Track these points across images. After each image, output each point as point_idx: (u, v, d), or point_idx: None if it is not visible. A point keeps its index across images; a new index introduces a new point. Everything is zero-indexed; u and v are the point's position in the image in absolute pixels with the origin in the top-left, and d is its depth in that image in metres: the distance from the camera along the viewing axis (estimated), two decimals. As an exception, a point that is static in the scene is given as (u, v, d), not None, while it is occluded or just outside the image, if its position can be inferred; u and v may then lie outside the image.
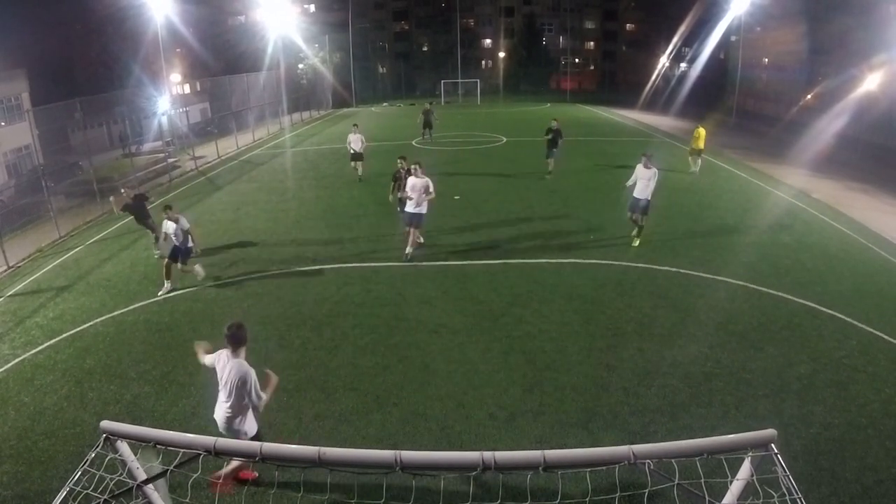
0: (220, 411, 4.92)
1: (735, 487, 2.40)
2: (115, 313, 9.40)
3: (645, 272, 10.45)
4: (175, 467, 2.65)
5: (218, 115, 34.70)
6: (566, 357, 7.61)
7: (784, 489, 2.32)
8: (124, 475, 2.83)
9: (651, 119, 35.90)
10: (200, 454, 2.46)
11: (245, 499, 5.25)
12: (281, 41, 41.33)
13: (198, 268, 10.28)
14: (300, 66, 49.28)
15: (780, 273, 10.36)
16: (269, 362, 7.62)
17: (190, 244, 10.01)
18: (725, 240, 12.26)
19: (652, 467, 2.20)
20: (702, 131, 19.14)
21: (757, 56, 37.69)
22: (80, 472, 2.64)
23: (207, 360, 5.10)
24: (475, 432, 6.19)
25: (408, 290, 9.87)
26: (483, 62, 65.33)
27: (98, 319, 9.19)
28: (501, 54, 63.24)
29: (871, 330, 8.19)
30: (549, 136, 17.94)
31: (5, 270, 12.03)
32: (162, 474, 2.81)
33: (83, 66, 36.95)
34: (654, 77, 48.68)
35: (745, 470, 2.38)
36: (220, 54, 45.80)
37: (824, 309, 8.86)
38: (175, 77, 40.69)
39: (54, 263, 12.28)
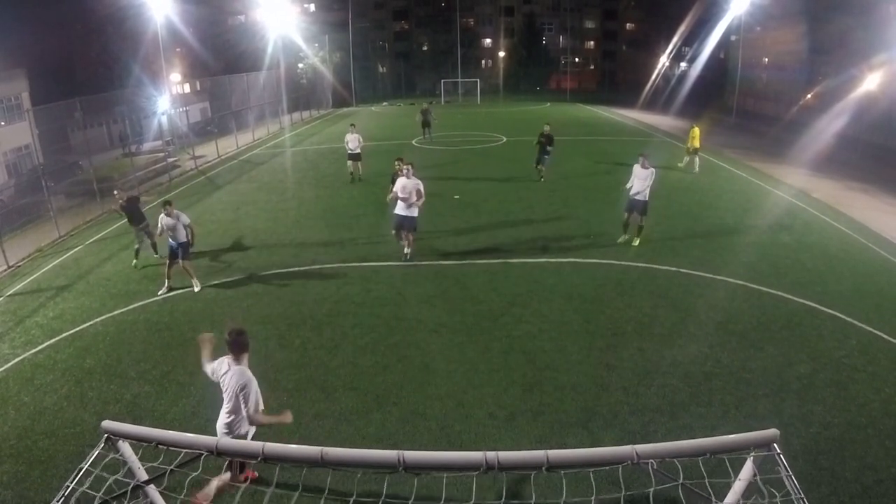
0: (220, 420, 4.83)
1: (738, 487, 2.40)
2: (115, 313, 9.40)
3: (645, 272, 10.45)
4: (176, 467, 2.64)
5: (218, 114, 34.69)
6: (566, 356, 7.61)
7: (787, 489, 2.32)
8: (124, 475, 2.82)
9: (651, 118, 35.90)
10: (202, 454, 2.46)
11: (244, 499, 5.25)
12: (281, 41, 41.30)
13: (194, 280, 10.11)
14: (300, 65, 49.24)
15: (779, 273, 10.36)
16: (269, 361, 7.65)
17: (184, 239, 9.84)
18: (725, 239, 12.26)
19: (655, 467, 2.20)
20: (696, 130, 19.42)
21: (757, 56, 37.68)
22: (79, 472, 2.64)
23: (208, 367, 4.95)
24: (475, 432, 6.19)
25: (408, 289, 9.87)
26: (483, 62, 65.29)
27: (98, 319, 9.19)
28: (501, 54, 63.21)
29: (871, 329, 8.19)
30: (540, 142, 17.13)
31: (5, 270, 12.02)
32: (163, 474, 2.80)
33: (83, 65, 36.92)
34: (654, 76, 48.67)
35: (748, 470, 2.38)
36: (220, 54, 45.76)
37: (824, 308, 8.87)
38: (175, 77, 40.65)
39: (54, 263, 12.27)
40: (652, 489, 2.22)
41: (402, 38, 66.44)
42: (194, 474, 2.63)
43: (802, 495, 2.28)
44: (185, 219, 9.91)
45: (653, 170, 11.29)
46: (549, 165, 17.47)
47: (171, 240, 9.83)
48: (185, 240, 9.86)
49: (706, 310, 8.88)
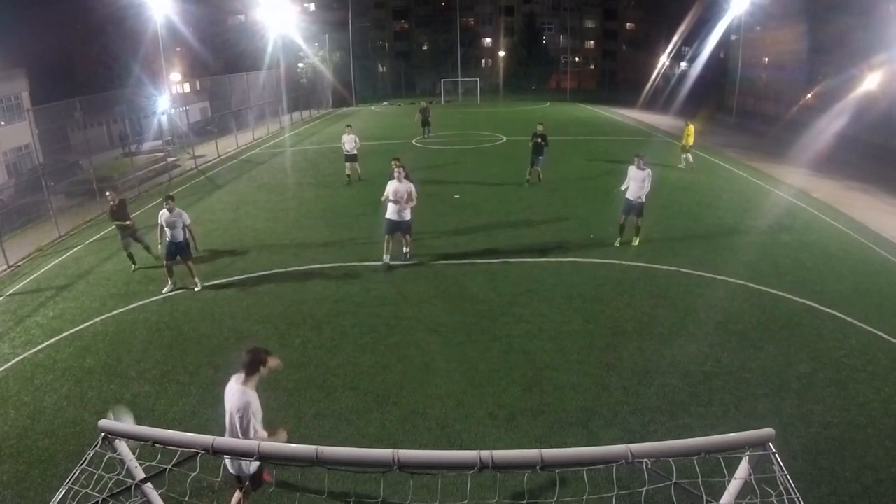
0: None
1: (733, 487, 2.40)
2: (115, 312, 9.41)
3: (645, 271, 10.45)
4: (174, 466, 2.65)
5: (218, 114, 34.71)
6: (566, 356, 7.62)
7: (782, 488, 2.32)
8: (123, 474, 2.83)
9: (651, 118, 35.89)
10: (199, 453, 2.46)
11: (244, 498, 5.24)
12: (281, 40, 41.31)
13: (195, 280, 10.07)
14: (300, 65, 49.28)
15: (779, 272, 10.36)
16: (268, 361, 7.65)
17: (181, 239, 9.75)
18: (725, 239, 12.26)
19: (650, 466, 2.20)
20: (691, 128, 19.56)
21: (757, 55, 37.64)
22: (79, 471, 2.64)
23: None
24: (475, 431, 6.19)
25: (407, 289, 9.87)
26: (483, 61, 65.24)
27: (98, 319, 9.20)
28: (501, 53, 63.19)
29: (871, 329, 8.19)
30: (534, 142, 16.51)
31: (5, 270, 12.03)
32: (161, 473, 2.81)
33: (83, 65, 36.94)
34: (654, 76, 48.63)
35: (743, 469, 2.38)
36: (220, 53, 45.81)
37: (824, 308, 8.87)
38: (175, 76, 40.67)
39: (54, 263, 12.28)
40: (645, 489, 2.23)
41: (402, 38, 66.41)
42: (193, 474, 2.63)
43: (798, 495, 2.28)
44: (186, 217, 9.83)
45: (649, 171, 11.15)
46: (544, 166, 16.93)
47: (169, 237, 9.74)
48: (182, 239, 9.77)
49: (706, 309, 8.88)
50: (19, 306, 10.00)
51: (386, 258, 10.68)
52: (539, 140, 16.39)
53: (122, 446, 2.79)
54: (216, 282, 10.46)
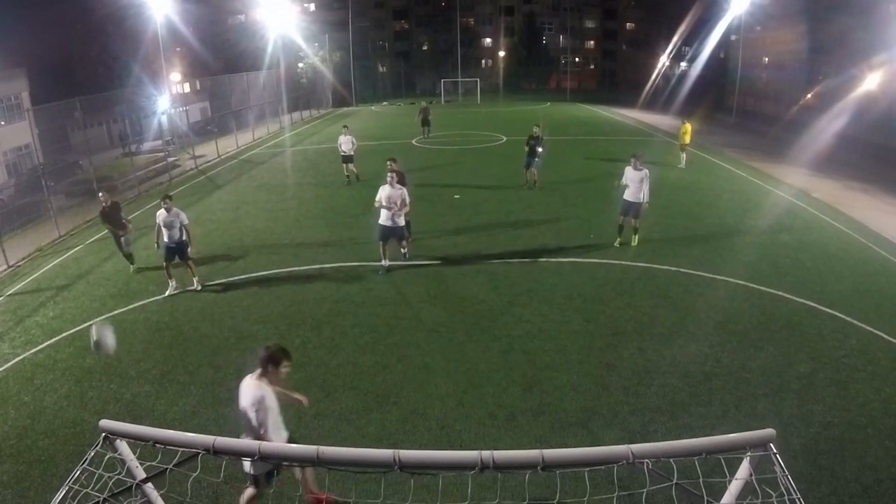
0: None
1: (734, 487, 2.40)
2: (115, 312, 9.41)
3: (645, 271, 10.45)
4: (174, 466, 2.65)
5: (218, 114, 34.72)
6: (566, 356, 7.61)
7: (783, 489, 2.32)
8: (123, 474, 2.83)
9: (651, 118, 35.89)
10: (200, 453, 2.46)
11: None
12: (281, 40, 41.32)
13: (195, 279, 10.05)
14: (300, 65, 49.28)
15: (779, 272, 10.36)
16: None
17: (184, 237, 9.70)
18: (725, 239, 12.26)
19: (651, 467, 2.20)
20: (688, 127, 19.74)
21: (757, 55, 37.64)
22: (79, 471, 2.64)
23: None
24: (475, 431, 6.19)
25: (407, 289, 9.87)
26: (483, 61, 65.25)
27: (98, 319, 9.19)
28: (501, 53, 63.19)
29: (871, 329, 8.19)
30: (530, 144, 16.11)
31: (5, 269, 12.03)
32: (162, 473, 2.81)
33: (83, 65, 36.95)
34: (654, 76, 48.64)
35: (744, 469, 2.38)
36: (220, 53, 45.82)
37: (824, 308, 8.87)
38: (175, 76, 40.67)
39: (54, 262, 12.29)
40: (646, 489, 2.23)
41: (402, 38, 66.41)
42: (193, 474, 2.63)
43: (798, 495, 2.28)
44: (184, 218, 9.77)
45: (646, 171, 11.03)
46: (540, 169, 16.47)
47: (167, 239, 9.69)
48: (180, 239, 9.69)
49: (706, 309, 8.88)
50: (19, 306, 10.00)
51: (384, 262, 10.57)
52: (534, 143, 15.98)
53: (123, 446, 2.79)
54: (216, 282, 10.46)
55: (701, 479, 2.37)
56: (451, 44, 60.76)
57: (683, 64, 49.10)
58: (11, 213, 16.12)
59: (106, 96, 25.81)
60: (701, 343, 7.86)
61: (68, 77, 33.93)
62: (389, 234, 10.34)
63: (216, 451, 2.44)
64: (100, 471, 2.71)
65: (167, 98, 32.16)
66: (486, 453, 2.20)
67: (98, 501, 2.63)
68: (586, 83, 64.86)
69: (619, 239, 11.66)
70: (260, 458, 2.37)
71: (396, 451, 2.24)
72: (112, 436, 2.73)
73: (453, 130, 29.84)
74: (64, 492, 2.58)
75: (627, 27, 65.29)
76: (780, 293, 9.43)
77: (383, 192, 10.15)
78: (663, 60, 49.14)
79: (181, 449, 2.54)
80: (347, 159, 17.86)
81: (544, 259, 11.09)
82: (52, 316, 9.44)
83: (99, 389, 7.19)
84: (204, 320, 8.97)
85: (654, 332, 8.23)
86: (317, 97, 45.17)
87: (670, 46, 46.92)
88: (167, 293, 9.89)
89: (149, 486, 2.87)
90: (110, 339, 5.72)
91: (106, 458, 2.75)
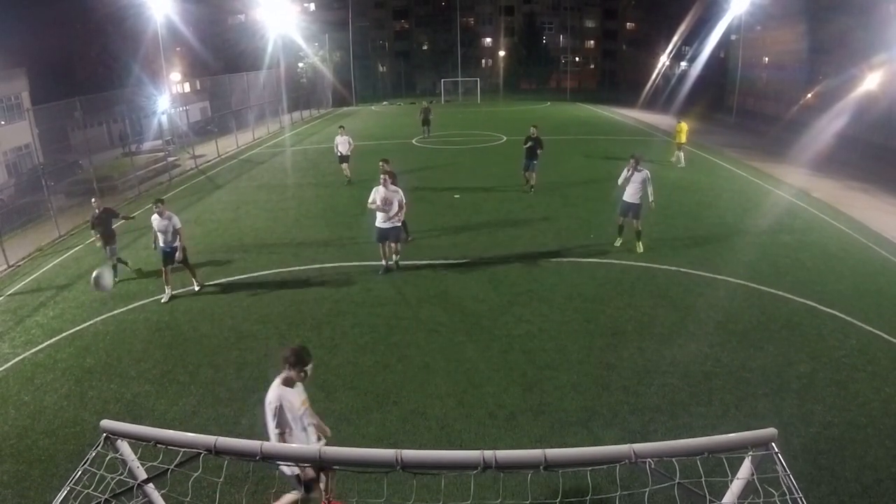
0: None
1: (735, 486, 2.40)
2: (115, 312, 9.40)
3: (645, 271, 10.45)
4: (175, 467, 2.65)
5: (218, 113, 34.73)
6: (566, 356, 7.62)
7: (784, 488, 2.32)
8: (125, 474, 2.83)
9: (651, 118, 35.89)
10: (201, 453, 2.46)
11: (245, 498, 5.25)
12: (281, 40, 41.32)
13: (195, 280, 9.97)
14: (300, 64, 49.28)
15: (779, 272, 10.36)
16: (269, 360, 7.65)
17: (177, 243, 9.49)
18: (725, 239, 12.26)
19: (653, 466, 2.20)
20: (683, 126, 19.82)
21: (757, 55, 37.66)
22: (80, 471, 2.64)
23: None
24: (475, 431, 6.19)
25: (407, 288, 9.87)
26: (483, 61, 65.27)
27: (98, 318, 9.19)
28: (501, 53, 63.21)
29: (871, 329, 8.19)
30: (528, 146, 15.65)
31: (5, 269, 12.03)
32: (163, 473, 2.81)
33: (83, 65, 36.91)
34: (654, 76, 48.66)
35: (746, 469, 2.38)
36: (220, 53, 45.80)
37: (824, 308, 8.87)
38: (175, 76, 40.66)
39: (54, 262, 12.28)
40: (648, 488, 2.23)
41: (402, 38, 66.42)
42: (195, 474, 2.63)
43: (800, 495, 2.28)
44: (176, 221, 9.51)
45: (646, 172, 10.88)
46: (538, 171, 16.13)
47: (161, 243, 9.52)
48: (176, 244, 9.47)
49: (706, 309, 8.88)
50: (19, 306, 10.00)
51: (385, 262, 10.54)
52: (532, 144, 15.62)
53: (124, 446, 2.78)
54: (216, 282, 10.46)
55: (703, 479, 2.37)
56: (451, 43, 60.78)
57: (683, 64, 49.13)
58: (11, 212, 16.12)
59: (106, 96, 25.82)
60: (701, 343, 7.86)
61: (68, 77, 33.91)
62: (385, 235, 10.20)
63: (217, 452, 2.43)
64: (101, 471, 2.71)
65: (167, 98, 32.15)
66: (488, 453, 2.20)
67: (99, 502, 2.63)
68: (586, 83, 64.87)
69: (619, 239, 11.63)
70: (262, 458, 2.36)
71: (399, 451, 2.24)
72: (113, 436, 2.72)
73: (453, 130, 29.85)
74: (65, 492, 2.58)
75: (627, 27, 65.31)
76: (781, 293, 9.43)
77: (377, 194, 9.97)
78: (663, 60, 49.16)
79: (182, 449, 2.54)
80: (343, 159, 17.80)
81: (544, 259, 11.09)
82: (52, 316, 9.44)
83: (99, 389, 7.19)
84: (204, 320, 8.97)
85: (655, 331, 8.23)
86: (317, 97, 45.19)
87: (670, 46, 46.94)
88: (163, 300, 9.73)
89: (150, 487, 2.87)
90: (108, 278, 6.17)
91: (107, 458, 2.75)
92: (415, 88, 63.10)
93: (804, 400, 6.57)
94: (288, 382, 4.42)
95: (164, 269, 9.73)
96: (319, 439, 4.71)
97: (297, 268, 11.02)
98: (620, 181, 11.22)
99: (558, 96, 53.31)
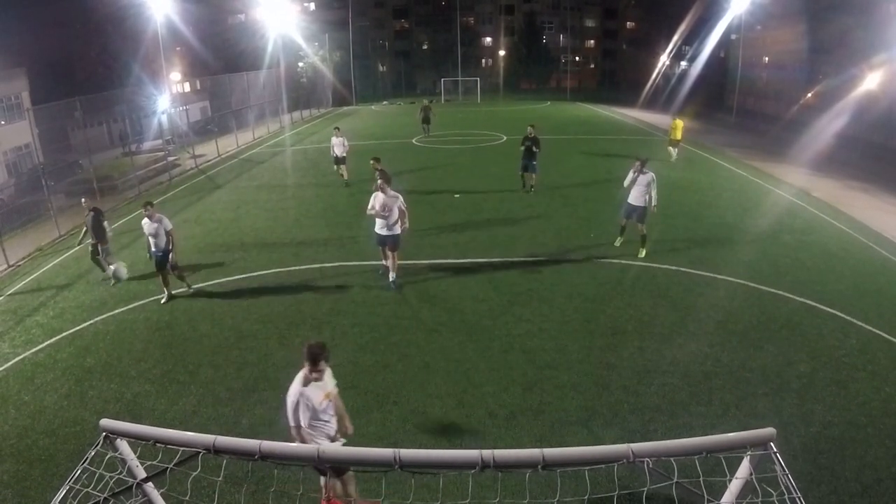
0: None
1: (734, 486, 2.40)
2: (115, 312, 9.41)
3: (645, 271, 10.45)
4: (175, 465, 2.65)
5: (218, 113, 34.73)
6: (566, 355, 7.62)
7: (783, 488, 2.32)
8: (124, 473, 2.83)
9: (651, 117, 35.87)
10: (200, 452, 2.46)
11: (245, 497, 5.26)
12: (281, 40, 41.31)
13: (185, 283, 9.77)
14: (300, 64, 49.28)
15: (779, 272, 10.36)
16: (269, 360, 7.66)
17: (170, 246, 9.35)
18: (725, 238, 12.25)
19: (651, 466, 2.20)
20: (679, 123, 19.98)
21: (757, 55, 37.68)
22: (80, 471, 2.64)
23: None
24: (475, 431, 6.19)
25: (407, 288, 9.87)
26: (483, 60, 65.27)
27: (98, 318, 9.20)
28: (502, 52, 63.20)
29: (871, 328, 8.19)
30: (525, 146, 15.45)
31: (5, 269, 12.04)
32: (162, 472, 2.81)
33: (83, 64, 36.89)
34: (654, 75, 48.66)
35: (745, 469, 2.38)
36: (220, 53, 45.76)
37: (824, 307, 8.87)
38: (175, 76, 40.67)
39: (54, 262, 12.28)
40: (647, 488, 2.23)
41: (402, 37, 66.42)
42: (194, 473, 2.63)
43: (799, 494, 2.28)
44: (167, 224, 9.33)
45: (652, 174, 10.75)
46: (538, 172, 15.95)
47: (153, 248, 9.35)
48: (166, 247, 9.32)
49: (706, 309, 8.88)
50: (20, 306, 10.00)
51: (385, 262, 10.28)
52: (530, 144, 15.36)
53: (124, 445, 2.79)
54: (216, 281, 10.47)
55: (701, 479, 2.37)
56: (452, 43, 60.76)
57: (684, 63, 49.15)
58: (11, 212, 16.13)
59: (106, 96, 25.83)
60: (701, 342, 7.86)
61: (68, 77, 33.90)
62: (386, 241, 9.79)
63: (217, 451, 2.44)
64: (100, 470, 2.71)
65: (167, 97, 32.15)
66: (486, 452, 2.20)
67: (99, 501, 2.63)
68: (586, 82, 64.88)
69: (620, 238, 11.61)
70: (261, 457, 2.36)
71: (397, 450, 2.24)
72: (113, 435, 2.73)
73: (453, 129, 29.84)
74: (65, 491, 2.59)
75: (628, 26, 65.33)
76: (781, 292, 9.43)
77: (377, 200, 9.40)
78: (663, 60, 49.18)
79: (182, 448, 2.54)
80: (339, 161, 17.68)
81: (544, 259, 11.09)
82: (52, 315, 9.44)
83: (99, 389, 7.19)
84: (204, 320, 8.97)
85: (654, 331, 8.23)
86: (317, 96, 45.19)
87: (670, 46, 46.95)
88: (163, 300, 9.68)
89: (149, 486, 2.87)
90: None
91: (107, 457, 2.75)
92: (415, 88, 63.11)
93: (804, 399, 6.57)
94: (308, 380, 4.46)
95: (160, 273, 9.60)
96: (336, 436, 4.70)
97: (297, 267, 11.02)
98: (626, 183, 11.12)
99: (558, 96, 53.30)
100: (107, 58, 36.61)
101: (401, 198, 9.55)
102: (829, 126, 25.48)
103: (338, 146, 17.55)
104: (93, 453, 2.65)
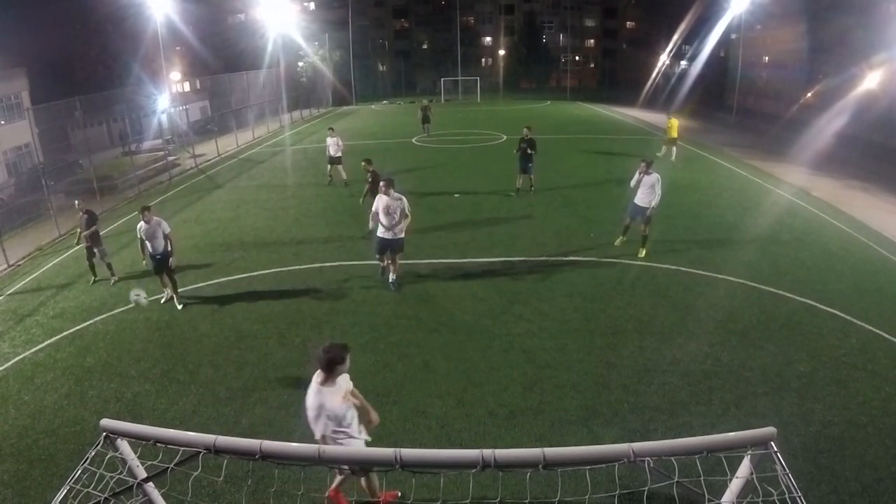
0: None
1: (735, 485, 2.41)
2: (115, 311, 9.41)
3: (645, 270, 10.45)
4: (175, 465, 2.65)
5: (218, 113, 34.70)
6: (566, 355, 7.62)
7: (783, 487, 2.32)
8: (124, 473, 2.83)
9: (651, 117, 35.85)
10: (200, 452, 2.46)
11: (245, 497, 5.26)
12: (281, 39, 41.31)
13: (176, 293, 9.50)
14: (300, 63, 49.30)
15: (779, 271, 10.36)
16: (269, 360, 7.66)
17: (169, 248, 9.23)
18: (725, 238, 12.25)
19: (652, 465, 2.20)
20: (674, 122, 20.05)
21: (757, 54, 37.66)
22: (80, 471, 2.64)
23: None
24: (475, 430, 6.19)
25: (407, 288, 9.87)
26: (483, 60, 65.26)
27: (98, 318, 9.20)
28: (501, 52, 63.18)
29: (871, 328, 8.19)
30: (521, 147, 15.31)
31: (5, 269, 12.03)
32: (162, 472, 2.81)
33: (83, 64, 36.90)
34: (654, 75, 48.65)
35: (745, 468, 2.38)
36: (220, 52, 45.78)
37: (824, 307, 8.87)
38: (175, 75, 40.66)
39: (54, 262, 12.28)
40: (647, 487, 2.23)
41: (402, 37, 66.39)
42: (194, 473, 2.63)
43: (799, 493, 2.28)
44: (165, 227, 9.20)
45: (657, 175, 10.65)
46: (536, 171, 15.86)
47: (151, 250, 9.22)
48: (164, 250, 9.22)
49: (706, 308, 8.88)
50: (20, 305, 10.00)
51: (385, 262, 10.13)
52: (526, 146, 15.22)
53: (124, 445, 2.79)
54: (216, 281, 10.46)
55: (702, 478, 2.37)
56: (451, 42, 60.75)
57: (683, 62, 49.12)
58: (11, 212, 16.12)
59: (106, 95, 25.83)
60: (701, 342, 7.86)
61: (68, 76, 33.91)
62: (387, 246, 9.49)
63: (217, 451, 2.44)
64: (101, 470, 2.71)
65: (167, 97, 32.13)
66: (487, 452, 2.20)
67: (99, 501, 2.64)
68: (586, 82, 64.86)
69: (621, 237, 11.60)
70: (261, 457, 2.37)
71: (398, 449, 2.24)
72: (113, 435, 2.73)
73: (453, 129, 29.84)
74: (65, 491, 2.59)
75: (627, 26, 65.30)
76: (781, 292, 9.43)
77: (380, 203, 9.10)
78: (663, 59, 49.16)
79: (182, 448, 2.54)
80: (334, 161, 17.63)
81: (544, 258, 11.09)
82: (52, 315, 9.44)
83: (99, 388, 7.19)
84: (204, 319, 8.97)
85: (654, 330, 8.23)
86: (317, 96, 45.19)
87: (670, 45, 46.93)
88: (162, 300, 9.66)
89: (150, 486, 2.88)
90: (144, 297, 8.74)
91: (107, 457, 2.75)
92: (415, 87, 63.09)
93: (804, 399, 6.57)
94: (329, 385, 4.28)
95: (157, 276, 9.56)
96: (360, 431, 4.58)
97: (297, 267, 11.02)
98: (632, 184, 11.10)
99: (558, 95, 53.29)
100: (107, 57, 36.61)
101: (404, 200, 9.12)
102: (829, 125, 25.48)
103: (332, 146, 17.52)
104: (93, 453, 2.65)
